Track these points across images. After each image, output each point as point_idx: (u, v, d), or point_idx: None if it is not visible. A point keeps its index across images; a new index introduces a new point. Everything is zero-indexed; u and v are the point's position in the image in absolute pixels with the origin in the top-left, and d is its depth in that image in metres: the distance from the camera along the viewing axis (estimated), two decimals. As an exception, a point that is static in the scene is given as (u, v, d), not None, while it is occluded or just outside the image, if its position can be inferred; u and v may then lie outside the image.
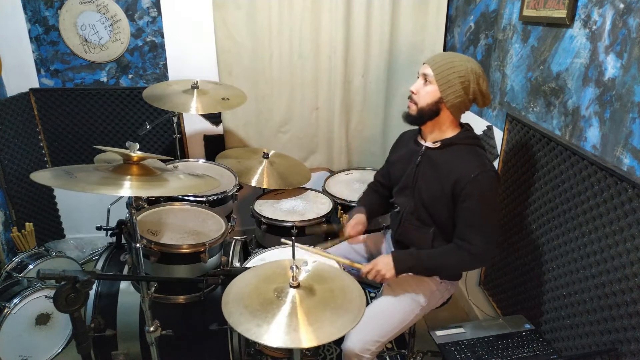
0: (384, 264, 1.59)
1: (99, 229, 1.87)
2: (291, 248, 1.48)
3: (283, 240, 1.79)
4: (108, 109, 2.78)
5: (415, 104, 1.59)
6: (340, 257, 1.77)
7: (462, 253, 1.53)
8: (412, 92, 1.60)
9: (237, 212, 2.76)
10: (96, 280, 1.57)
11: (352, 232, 1.77)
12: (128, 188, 1.23)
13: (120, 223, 1.81)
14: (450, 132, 1.61)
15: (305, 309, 1.18)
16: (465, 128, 1.64)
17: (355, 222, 1.80)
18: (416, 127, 1.72)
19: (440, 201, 1.57)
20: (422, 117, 1.59)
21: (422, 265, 1.59)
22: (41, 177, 1.21)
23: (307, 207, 2.41)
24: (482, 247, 1.50)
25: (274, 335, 1.11)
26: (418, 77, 1.60)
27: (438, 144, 1.60)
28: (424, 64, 1.59)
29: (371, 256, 1.94)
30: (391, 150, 1.88)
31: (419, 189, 1.63)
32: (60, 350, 2.15)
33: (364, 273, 1.62)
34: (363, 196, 2.00)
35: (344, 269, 1.63)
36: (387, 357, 2.13)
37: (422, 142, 1.67)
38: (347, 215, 2.31)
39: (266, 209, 2.38)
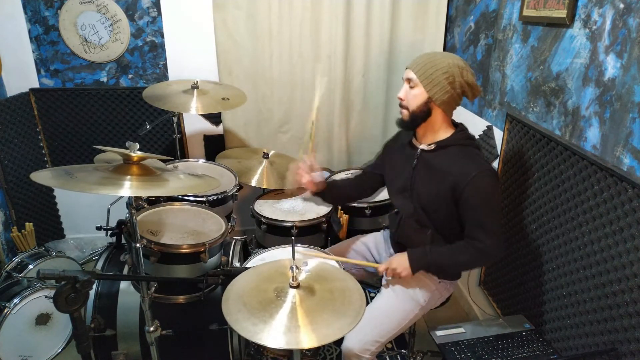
0: (400, 263, 1.59)
1: (99, 229, 1.87)
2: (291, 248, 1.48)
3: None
4: (108, 109, 2.78)
5: (406, 108, 1.59)
6: (344, 257, 1.79)
7: (472, 250, 1.54)
8: (400, 99, 1.60)
9: (237, 212, 2.76)
10: (96, 280, 1.57)
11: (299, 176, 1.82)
12: (128, 188, 1.23)
13: (120, 223, 1.81)
14: (444, 133, 1.60)
15: (305, 309, 1.18)
16: (460, 128, 1.63)
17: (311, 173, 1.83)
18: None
19: (438, 204, 1.57)
20: (416, 120, 1.59)
21: (437, 262, 1.60)
22: (41, 177, 1.21)
23: (307, 207, 2.41)
24: (490, 244, 1.51)
25: (274, 335, 1.10)
26: (403, 83, 1.60)
27: (433, 147, 1.60)
28: (406, 68, 1.59)
29: (370, 256, 1.94)
30: (386, 145, 1.86)
31: (417, 192, 1.63)
32: (60, 350, 2.15)
33: (380, 272, 1.63)
34: (343, 180, 2.05)
35: (343, 268, 1.63)
36: (387, 357, 2.13)
37: (417, 144, 1.66)
38: (347, 216, 2.32)
39: (266, 209, 2.37)
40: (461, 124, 1.65)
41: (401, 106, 1.61)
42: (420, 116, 1.57)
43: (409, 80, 1.57)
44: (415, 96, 1.55)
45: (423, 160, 1.62)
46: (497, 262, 2.15)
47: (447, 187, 1.53)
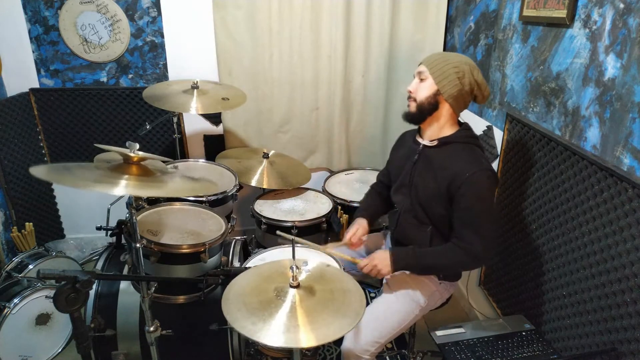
0: (381, 260, 1.60)
1: (99, 229, 1.87)
2: (291, 248, 1.48)
3: (279, 232, 1.81)
4: (108, 109, 2.78)
5: (414, 100, 1.60)
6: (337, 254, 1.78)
7: (459, 252, 1.53)
8: (410, 91, 1.61)
9: (237, 212, 2.76)
10: (96, 280, 1.57)
11: (353, 238, 1.77)
12: (124, 187, 1.21)
13: (120, 223, 1.80)
14: (448, 130, 1.61)
15: (305, 309, 1.18)
16: (464, 127, 1.64)
17: (357, 227, 1.80)
18: (416, 127, 1.72)
19: (436, 199, 1.57)
20: (423, 112, 1.59)
21: (420, 263, 1.59)
22: (40, 171, 1.18)
23: (307, 207, 2.41)
24: (479, 246, 1.50)
25: (273, 334, 1.10)
26: (414, 78, 1.62)
27: (435, 142, 1.61)
28: (419, 64, 1.61)
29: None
30: (392, 150, 1.88)
31: (415, 187, 1.63)
32: (60, 350, 2.15)
33: (360, 267, 1.63)
34: (365, 198, 2.00)
35: (343, 269, 1.63)
36: (387, 357, 2.13)
37: (420, 140, 1.67)
38: (347, 216, 2.32)
39: (266, 209, 2.37)
40: (466, 123, 1.66)
41: (410, 98, 1.62)
42: (428, 108, 1.58)
43: (419, 73, 1.59)
44: (424, 87, 1.57)
45: (424, 156, 1.63)
46: (497, 262, 2.15)
47: (444, 183, 1.53)
